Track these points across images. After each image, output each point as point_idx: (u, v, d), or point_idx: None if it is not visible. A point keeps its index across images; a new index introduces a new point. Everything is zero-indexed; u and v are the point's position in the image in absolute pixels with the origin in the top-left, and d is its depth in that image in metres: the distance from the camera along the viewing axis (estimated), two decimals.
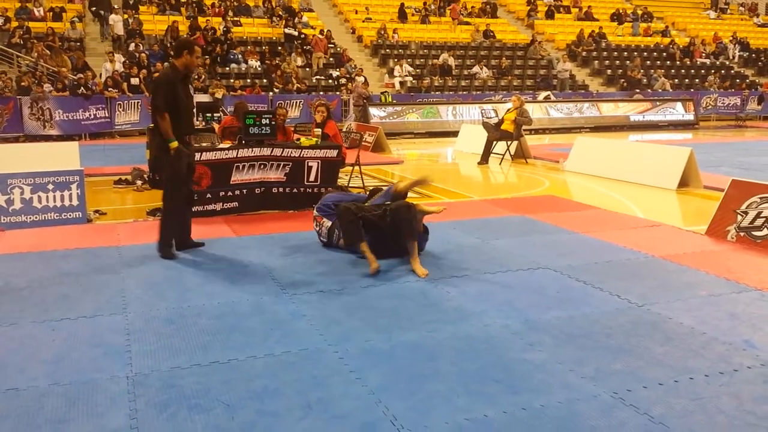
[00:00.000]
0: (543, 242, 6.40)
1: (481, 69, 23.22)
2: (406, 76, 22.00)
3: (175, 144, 5.74)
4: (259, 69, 20.78)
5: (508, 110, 13.26)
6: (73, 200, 7.23)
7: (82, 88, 16.83)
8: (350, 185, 8.94)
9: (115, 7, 21.70)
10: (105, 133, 17.29)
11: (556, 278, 5.31)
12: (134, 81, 17.82)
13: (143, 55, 19.03)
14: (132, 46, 19.78)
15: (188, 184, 6.10)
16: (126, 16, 21.27)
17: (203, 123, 10.59)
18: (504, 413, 3.17)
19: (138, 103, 17.56)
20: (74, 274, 5.38)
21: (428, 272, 5.39)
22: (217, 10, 23.23)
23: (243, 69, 20.63)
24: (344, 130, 14.75)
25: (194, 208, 7.42)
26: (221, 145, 7.82)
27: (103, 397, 3.31)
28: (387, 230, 5.69)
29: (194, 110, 6.31)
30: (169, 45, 20.12)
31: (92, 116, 16.98)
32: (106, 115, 17.14)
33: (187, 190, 6.07)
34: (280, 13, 23.71)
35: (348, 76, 21.09)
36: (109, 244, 6.36)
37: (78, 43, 19.90)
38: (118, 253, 6.04)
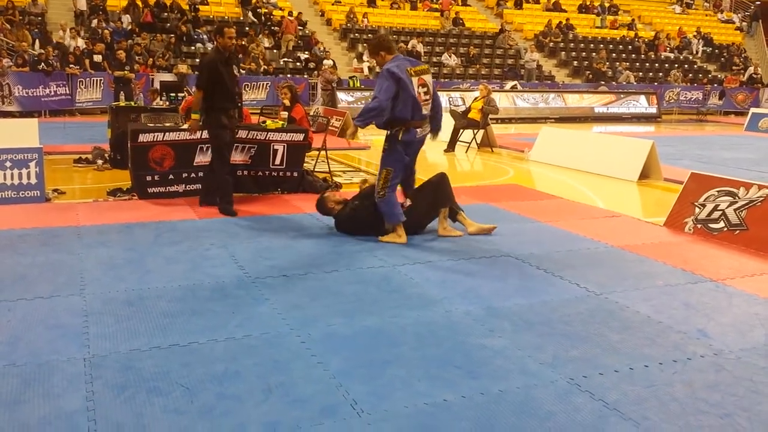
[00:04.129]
0: (506, 230, 6.46)
1: (450, 57, 23.25)
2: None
3: (196, 116, 6.67)
4: None
5: (476, 99, 13.31)
6: (31, 178, 7.07)
7: (42, 63, 16.41)
8: (316, 170, 8.90)
9: None
10: (65, 110, 16.91)
11: (518, 266, 5.37)
12: (97, 58, 17.42)
13: (106, 31, 18.62)
14: (95, 23, 19.33)
15: (230, 153, 7.05)
16: None
17: (166, 102, 10.44)
18: (463, 398, 3.21)
19: (100, 80, 17.18)
20: (31, 254, 5.27)
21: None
22: None
23: (209, 49, 20.30)
24: (311, 113, 14.66)
25: (156, 190, 7.40)
26: (184, 126, 7.71)
27: (59, 379, 3.26)
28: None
29: (236, 87, 7.07)
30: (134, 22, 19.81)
31: (53, 93, 16.57)
32: (67, 92, 16.74)
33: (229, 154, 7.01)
34: None
35: (317, 59, 20.92)
36: (68, 224, 6.24)
37: (39, 18, 19.37)
38: (77, 233, 5.93)
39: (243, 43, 20.66)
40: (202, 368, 3.42)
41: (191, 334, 3.83)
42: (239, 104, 6.94)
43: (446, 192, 6.17)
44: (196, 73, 7.13)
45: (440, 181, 6.19)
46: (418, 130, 5.78)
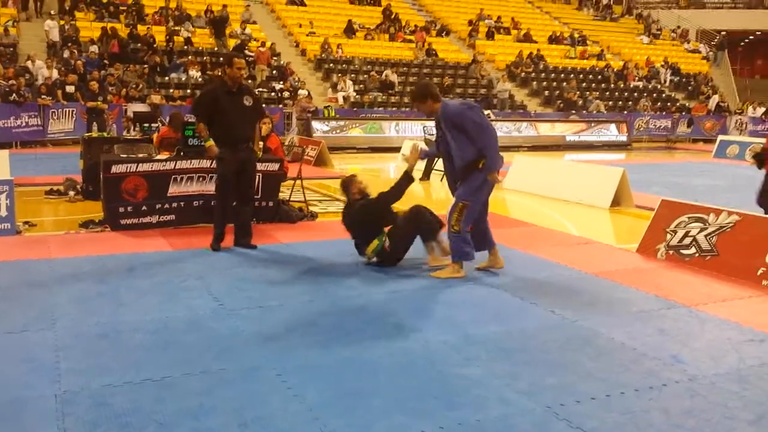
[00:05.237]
0: (482, 258, 6.47)
1: None
2: (350, 90, 22.02)
3: (210, 142, 6.35)
4: (200, 79, 20.49)
5: None
6: (1, 211, 6.95)
7: (14, 94, 16.27)
8: (291, 199, 8.89)
9: (51, 12, 21.11)
10: (37, 141, 16.74)
11: (494, 294, 5.40)
12: (69, 89, 17.31)
13: (79, 62, 18.54)
14: (66, 53, 19.25)
15: (245, 187, 6.66)
16: (62, 22, 20.70)
17: (140, 133, 10.38)
18: (441, 428, 3.19)
19: (73, 111, 17.06)
20: (2, 287, 5.17)
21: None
22: (157, 18, 22.85)
23: (183, 79, 20.31)
24: (286, 143, 14.68)
25: (129, 221, 7.32)
26: (158, 157, 7.68)
27: (30, 416, 3.19)
28: None
29: (246, 120, 6.60)
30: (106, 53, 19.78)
31: (24, 124, 16.42)
32: (39, 123, 16.60)
33: (243, 191, 6.66)
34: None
35: (291, 89, 21.00)
36: (40, 256, 6.14)
37: (11, 49, 19.25)
38: (48, 266, 5.84)
39: (218, 73, 20.70)
40: (177, 403, 3.36)
41: (165, 368, 3.78)
42: (247, 136, 6.56)
43: (426, 223, 6.12)
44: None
45: (417, 214, 6.14)
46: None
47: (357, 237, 6.15)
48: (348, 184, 6.37)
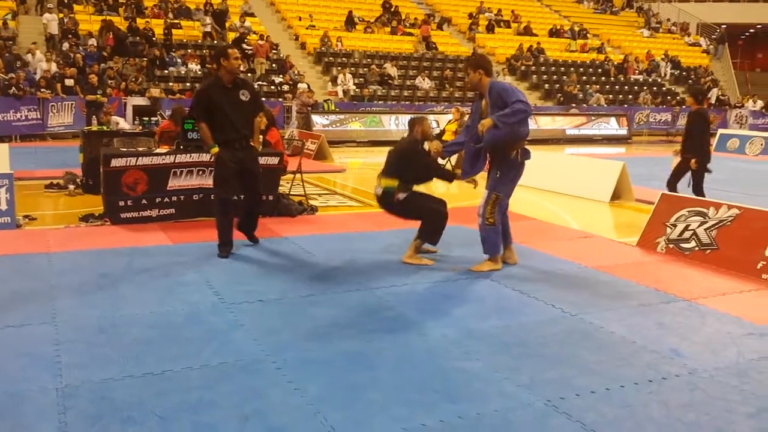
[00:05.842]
0: (482, 252, 6.48)
1: (423, 80, 23.45)
2: (350, 84, 21.98)
3: (215, 149, 6.06)
4: (200, 73, 20.45)
5: (449, 121, 13.42)
6: (1, 204, 6.95)
7: (13, 88, 16.23)
8: (291, 193, 8.89)
9: (50, 6, 21.05)
10: (36, 135, 16.71)
11: (494, 288, 5.40)
12: (68, 82, 17.27)
13: (78, 55, 18.49)
14: (66, 46, 19.19)
15: (251, 186, 6.37)
16: (61, 15, 20.64)
17: (140, 127, 10.38)
18: (441, 422, 3.20)
19: (72, 104, 17.02)
20: (1, 281, 5.17)
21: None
22: (156, 11, 22.78)
23: (182, 72, 20.27)
24: (286, 137, 14.67)
25: (129, 215, 7.32)
26: (158, 150, 7.67)
27: (31, 409, 3.19)
28: None
29: (244, 116, 6.24)
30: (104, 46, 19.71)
31: (23, 117, 16.38)
32: (38, 116, 16.56)
33: (250, 190, 6.39)
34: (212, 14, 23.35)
35: (291, 83, 20.96)
36: (39, 250, 6.14)
37: (10, 42, 19.20)
38: (48, 260, 5.84)
39: (214, 66, 20.64)
40: (177, 397, 3.37)
41: (165, 362, 3.78)
42: (245, 133, 6.23)
43: (437, 231, 6.13)
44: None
45: (441, 217, 6.16)
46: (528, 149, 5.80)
47: (386, 164, 6.09)
48: (416, 121, 6.11)
